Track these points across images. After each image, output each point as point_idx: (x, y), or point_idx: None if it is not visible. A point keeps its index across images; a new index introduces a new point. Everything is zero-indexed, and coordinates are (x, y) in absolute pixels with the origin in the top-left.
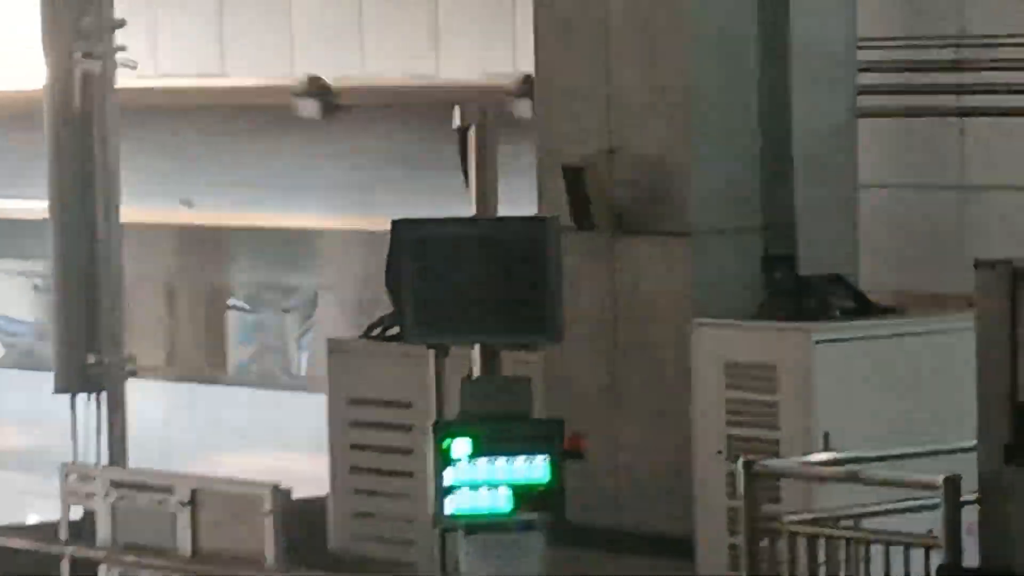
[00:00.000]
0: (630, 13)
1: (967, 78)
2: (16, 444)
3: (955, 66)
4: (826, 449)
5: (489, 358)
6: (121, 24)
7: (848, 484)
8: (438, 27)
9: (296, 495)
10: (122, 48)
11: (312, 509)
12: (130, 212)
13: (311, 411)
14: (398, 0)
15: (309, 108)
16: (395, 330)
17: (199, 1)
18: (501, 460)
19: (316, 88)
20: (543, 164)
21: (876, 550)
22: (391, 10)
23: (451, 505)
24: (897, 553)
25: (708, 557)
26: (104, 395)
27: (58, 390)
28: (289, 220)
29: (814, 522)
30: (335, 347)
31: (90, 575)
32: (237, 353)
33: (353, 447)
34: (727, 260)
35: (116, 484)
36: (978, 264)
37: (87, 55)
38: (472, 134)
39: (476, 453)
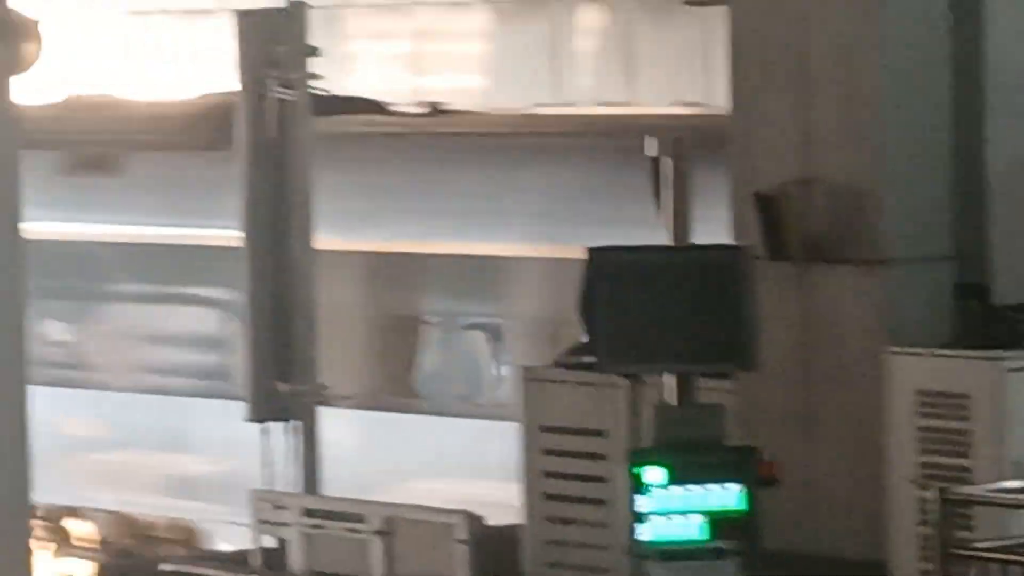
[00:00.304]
0: (827, 43)
1: None
2: (205, 472)
3: None
4: (1019, 477)
5: (683, 385)
6: (316, 51)
7: None
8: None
9: (488, 522)
10: (317, 76)
11: (504, 537)
12: (324, 239)
13: (501, 439)
14: (592, 31)
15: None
16: (589, 358)
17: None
18: (696, 487)
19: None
20: (737, 193)
21: None
22: (585, 40)
23: (645, 533)
24: None
25: None
26: (297, 424)
27: (251, 419)
28: (481, 248)
29: (1007, 548)
30: (528, 375)
31: None
32: (427, 380)
33: (547, 475)
34: (919, 289)
35: (309, 512)
36: None
37: (283, 83)
38: (666, 163)
39: (670, 481)
